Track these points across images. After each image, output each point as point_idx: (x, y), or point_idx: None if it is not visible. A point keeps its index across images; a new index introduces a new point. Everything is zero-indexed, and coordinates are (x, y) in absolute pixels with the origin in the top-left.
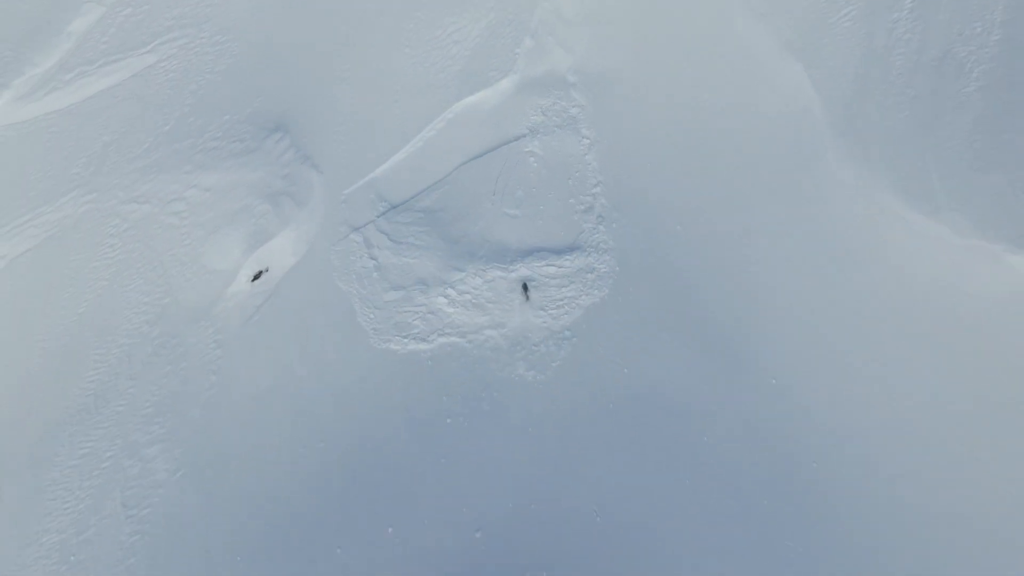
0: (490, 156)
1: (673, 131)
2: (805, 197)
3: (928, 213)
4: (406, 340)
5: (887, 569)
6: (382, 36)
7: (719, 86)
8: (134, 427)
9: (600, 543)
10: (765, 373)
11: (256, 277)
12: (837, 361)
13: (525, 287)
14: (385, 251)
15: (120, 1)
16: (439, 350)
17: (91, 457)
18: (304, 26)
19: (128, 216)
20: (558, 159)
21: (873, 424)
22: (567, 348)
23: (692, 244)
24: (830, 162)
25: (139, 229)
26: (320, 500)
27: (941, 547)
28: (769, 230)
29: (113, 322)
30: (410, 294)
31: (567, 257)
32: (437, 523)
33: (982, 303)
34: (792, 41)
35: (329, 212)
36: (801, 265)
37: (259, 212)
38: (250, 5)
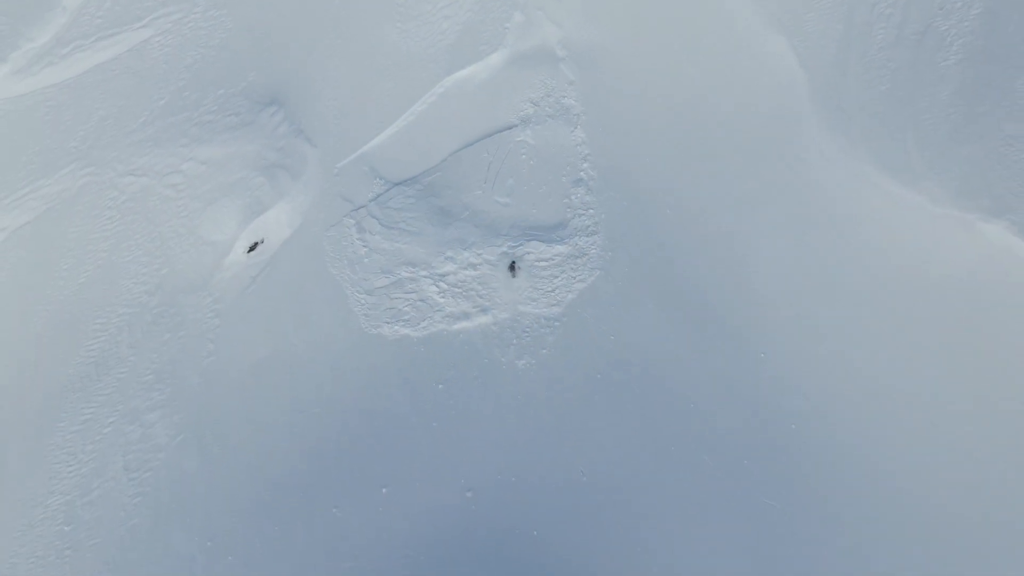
0: (482, 144)
1: (660, 103)
2: (788, 167)
3: (906, 183)
4: (397, 326)
5: (860, 519)
6: (374, 11)
7: (705, 59)
8: (134, 394)
9: (586, 501)
10: (746, 340)
11: (252, 248)
12: (816, 326)
13: (512, 265)
14: (376, 236)
15: None
16: (429, 338)
17: (93, 423)
18: (297, 1)
19: (126, 189)
20: (550, 149)
21: (849, 387)
22: (558, 331)
23: (678, 214)
24: (812, 134)
25: (137, 201)
26: (316, 462)
27: (916, 504)
28: (753, 200)
29: (113, 292)
30: (400, 280)
31: (558, 246)
32: (430, 484)
33: (955, 269)
34: (777, 16)
35: (323, 185)
36: (783, 233)
37: (254, 184)
38: None
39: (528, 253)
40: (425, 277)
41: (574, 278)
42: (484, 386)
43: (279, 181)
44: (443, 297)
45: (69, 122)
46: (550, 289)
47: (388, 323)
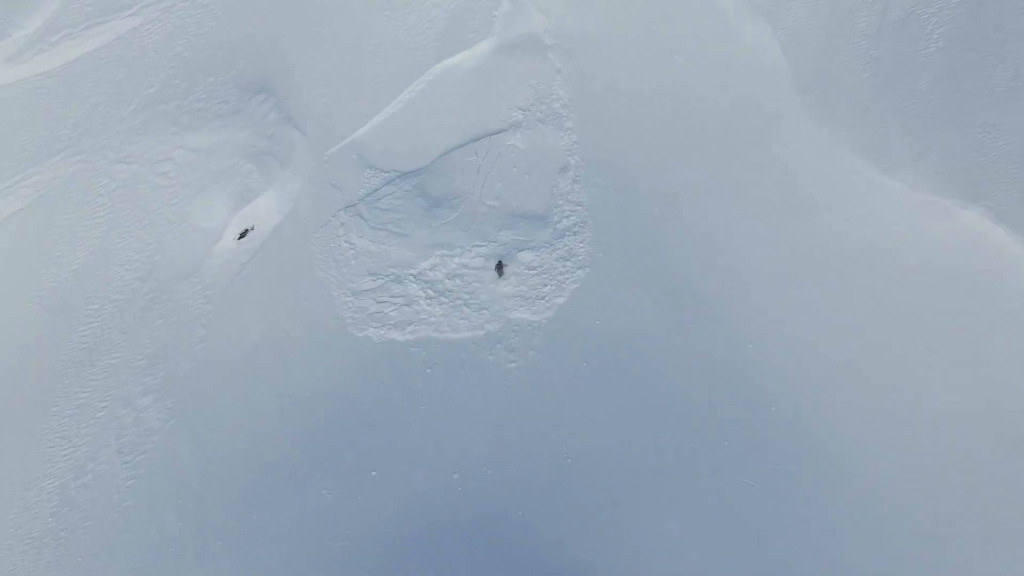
0: (471, 147)
1: (646, 91)
2: (771, 154)
3: (886, 170)
4: (383, 330)
5: (837, 499)
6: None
7: (690, 47)
8: (127, 378)
9: (571, 483)
10: (730, 326)
11: (242, 235)
12: (798, 311)
13: (499, 265)
14: (364, 239)
15: None
16: (417, 341)
17: (87, 407)
18: None
19: (117, 176)
20: (539, 153)
21: (830, 371)
22: (547, 329)
23: (664, 203)
24: (795, 121)
25: (128, 189)
26: (307, 446)
27: (893, 485)
28: (738, 187)
29: (105, 278)
30: (387, 284)
31: (546, 251)
32: (417, 466)
33: (933, 255)
34: (761, 3)
35: (312, 172)
36: (768, 221)
37: (244, 172)
38: None
39: (517, 255)
40: (412, 282)
41: (564, 280)
42: (472, 371)
43: (269, 168)
44: (429, 304)
45: (60, 110)
46: (540, 296)
47: (375, 327)
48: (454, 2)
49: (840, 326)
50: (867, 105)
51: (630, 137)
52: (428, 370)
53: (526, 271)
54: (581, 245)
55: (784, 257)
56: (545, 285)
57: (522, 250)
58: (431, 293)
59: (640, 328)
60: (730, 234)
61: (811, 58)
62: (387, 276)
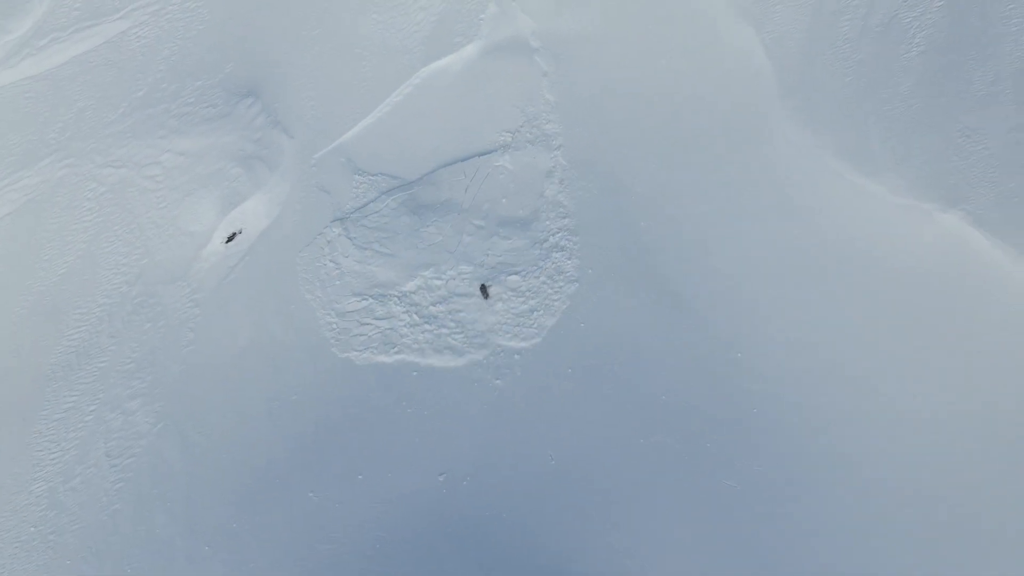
0: (459, 165)
1: (633, 94)
2: (756, 157)
3: (868, 174)
4: (367, 353)
5: (820, 499)
6: (349, 2)
7: (676, 50)
8: (116, 382)
9: (560, 485)
10: (714, 326)
11: (230, 239)
12: (782, 312)
13: (484, 287)
14: (349, 258)
15: None
16: (400, 362)
17: (75, 411)
18: None
19: (105, 180)
20: (528, 174)
21: (813, 371)
22: (535, 350)
23: (653, 203)
24: (780, 124)
25: (116, 193)
26: (295, 449)
27: (877, 485)
28: (723, 190)
29: (93, 282)
30: (371, 306)
31: (533, 274)
32: (403, 469)
33: (914, 259)
34: (745, 7)
35: (300, 176)
36: (753, 223)
37: (232, 176)
38: None
39: (504, 278)
40: (396, 304)
41: (554, 301)
42: (460, 378)
43: (256, 172)
44: (413, 330)
45: (48, 114)
46: (528, 324)
47: (357, 351)
48: (441, 5)
49: (830, 327)
50: (850, 109)
51: (617, 140)
52: (415, 373)
53: (514, 297)
54: (569, 261)
55: (776, 259)
56: (533, 312)
57: (510, 275)
58: (416, 319)
59: (630, 331)
60: (720, 236)
61: (795, 61)
62: (371, 299)
